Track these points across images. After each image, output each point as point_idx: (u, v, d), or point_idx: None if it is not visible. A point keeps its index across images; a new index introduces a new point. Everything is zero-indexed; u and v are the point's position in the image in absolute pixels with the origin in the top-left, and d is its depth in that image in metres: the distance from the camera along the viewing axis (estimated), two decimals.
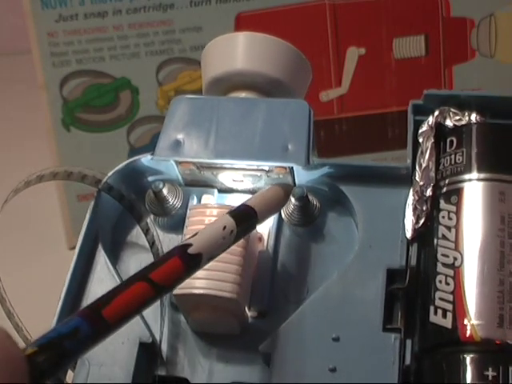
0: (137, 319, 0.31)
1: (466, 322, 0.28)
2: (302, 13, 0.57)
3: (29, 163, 0.65)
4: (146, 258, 0.33)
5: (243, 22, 0.57)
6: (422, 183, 0.31)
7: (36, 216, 0.61)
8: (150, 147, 0.55)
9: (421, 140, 0.32)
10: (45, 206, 0.60)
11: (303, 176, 0.33)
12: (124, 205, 0.33)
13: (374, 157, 0.59)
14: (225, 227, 0.29)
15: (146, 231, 0.33)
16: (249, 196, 0.34)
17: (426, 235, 0.31)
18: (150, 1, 0.57)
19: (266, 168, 0.33)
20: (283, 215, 0.33)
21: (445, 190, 0.31)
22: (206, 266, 0.31)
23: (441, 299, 0.29)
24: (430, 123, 0.32)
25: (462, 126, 0.32)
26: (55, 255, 0.57)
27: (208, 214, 0.32)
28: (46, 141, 0.58)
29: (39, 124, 0.58)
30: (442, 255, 0.30)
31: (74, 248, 0.61)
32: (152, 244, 0.33)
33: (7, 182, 0.64)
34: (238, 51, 0.36)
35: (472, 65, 0.58)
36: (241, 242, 0.31)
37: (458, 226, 0.30)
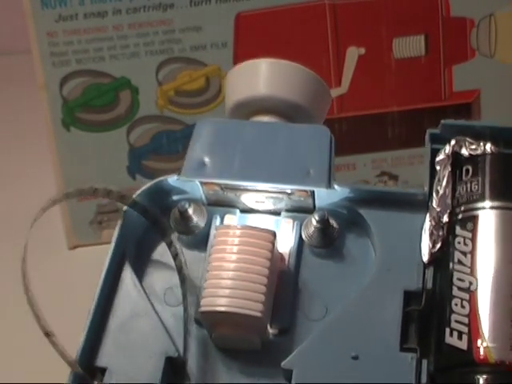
0: (163, 334, 0.33)
1: (480, 344, 0.30)
2: (301, 13, 0.57)
3: (29, 163, 0.65)
4: (170, 274, 0.34)
5: (243, 22, 0.57)
6: (438, 209, 0.32)
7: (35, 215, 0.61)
8: (150, 146, 0.54)
9: (438, 168, 0.33)
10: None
11: (323, 199, 0.34)
12: (148, 219, 0.34)
13: (373, 156, 0.58)
14: None
15: (170, 244, 0.34)
16: (270, 217, 0.35)
17: (442, 259, 0.32)
18: (149, 0, 0.56)
19: (288, 191, 0.34)
20: (304, 236, 0.34)
21: (461, 216, 0.32)
22: (230, 285, 0.32)
23: (457, 322, 0.30)
24: (446, 152, 0.33)
25: (477, 155, 0.33)
26: (55, 255, 0.58)
27: (231, 234, 0.33)
28: (46, 141, 0.58)
29: (39, 124, 0.58)
30: (458, 279, 0.31)
31: (73, 248, 0.60)
32: (175, 256, 0.34)
33: (7, 182, 0.64)
34: (261, 77, 0.37)
35: (472, 64, 0.58)
36: (264, 261, 0.32)
37: (473, 252, 0.31)
